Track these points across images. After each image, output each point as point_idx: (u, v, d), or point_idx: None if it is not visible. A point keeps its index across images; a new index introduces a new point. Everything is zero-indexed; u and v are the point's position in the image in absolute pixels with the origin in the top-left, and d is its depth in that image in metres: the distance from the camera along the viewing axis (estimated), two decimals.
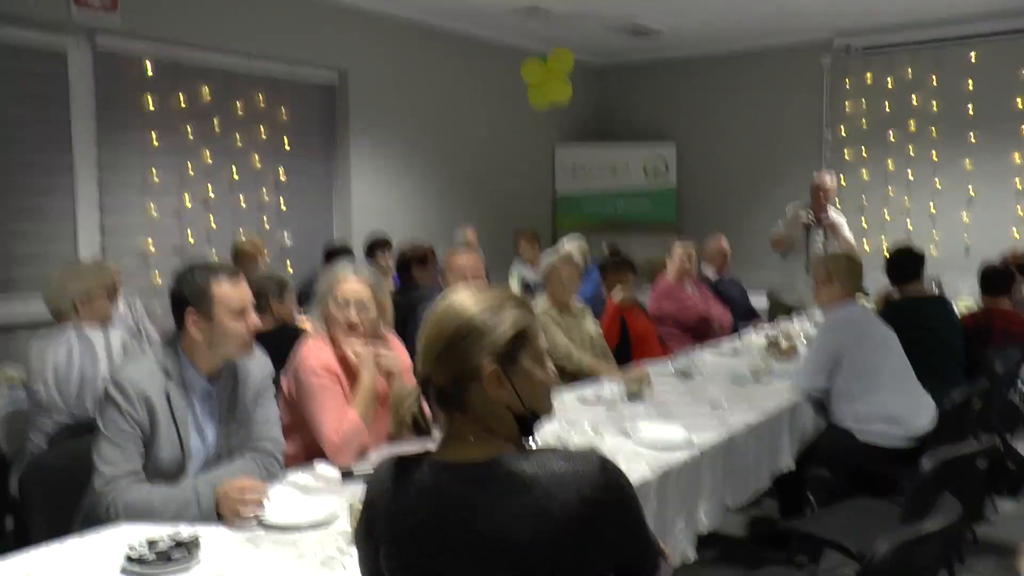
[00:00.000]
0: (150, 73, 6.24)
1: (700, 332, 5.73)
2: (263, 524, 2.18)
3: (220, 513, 2.23)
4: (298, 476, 2.54)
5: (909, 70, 8.29)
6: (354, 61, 7.50)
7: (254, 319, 2.49)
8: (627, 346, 4.93)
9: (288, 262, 7.08)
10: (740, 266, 7.76)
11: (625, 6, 7.66)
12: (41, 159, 5.74)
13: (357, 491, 2.37)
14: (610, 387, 3.57)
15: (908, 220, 8.40)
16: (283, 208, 7.19)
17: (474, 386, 1.46)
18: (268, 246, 6.35)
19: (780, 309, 6.92)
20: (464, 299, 1.50)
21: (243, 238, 6.05)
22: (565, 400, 3.63)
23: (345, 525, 2.16)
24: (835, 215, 6.79)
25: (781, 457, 3.65)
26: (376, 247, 6.90)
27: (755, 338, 5.26)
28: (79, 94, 5.89)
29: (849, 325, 3.90)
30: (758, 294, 7.23)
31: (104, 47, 5.95)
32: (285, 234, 7.19)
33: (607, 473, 1.42)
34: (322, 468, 2.59)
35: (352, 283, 2.94)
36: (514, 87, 8.53)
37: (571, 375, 4.29)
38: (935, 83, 8.17)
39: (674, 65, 9.68)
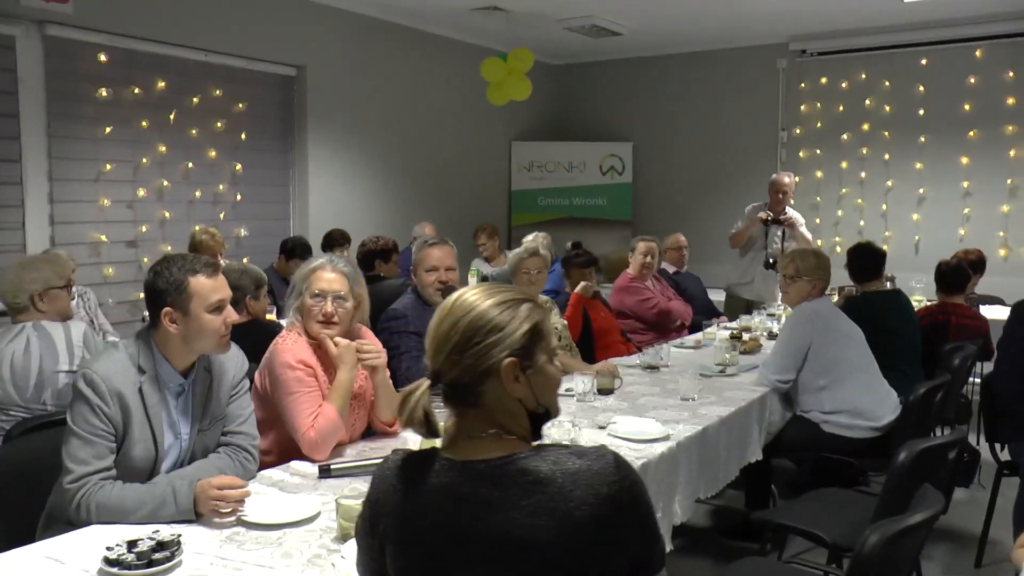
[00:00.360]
0: (103, 63, 6.07)
1: (661, 326, 5.77)
2: (244, 522, 2.11)
3: (198, 511, 2.15)
4: (274, 472, 2.48)
5: (863, 74, 8.43)
6: (312, 56, 7.39)
7: (232, 315, 2.40)
8: (589, 339, 4.93)
9: (245, 258, 6.93)
10: (695, 262, 7.80)
11: (584, 8, 7.66)
12: None
13: (338, 488, 2.34)
14: (581, 381, 3.55)
15: (861, 219, 8.54)
16: (239, 200, 7.05)
17: (490, 382, 1.43)
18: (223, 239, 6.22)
19: (737, 304, 6.99)
20: (478, 296, 1.48)
21: (197, 230, 5.91)
22: None
23: (328, 523, 2.10)
24: (793, 213, 6.87)
25: (750, 448, 3.68)
26: (333, 242, 6.83)
27: (718, 332, 5.28)
28: (28, 83, 5.70)
29: (816, 318, 3.94)
30: (713, 290, 7.30)
31: (55, 36, 5.77)
32: (241, 228, 7.06)
33: (621, 470, 1.39)
34: (298, 465, 2.53)
35: (329, 275, 2.87)
36: (472, 84, 8.51)
37: None
38: (888, 87, 8.32)
39: (632, 65, 9.72)
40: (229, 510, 2.14)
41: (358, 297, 2.92)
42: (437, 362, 1.46)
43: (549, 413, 1.51)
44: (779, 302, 6.84)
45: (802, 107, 8.80)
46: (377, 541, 1.47)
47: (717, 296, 7.22)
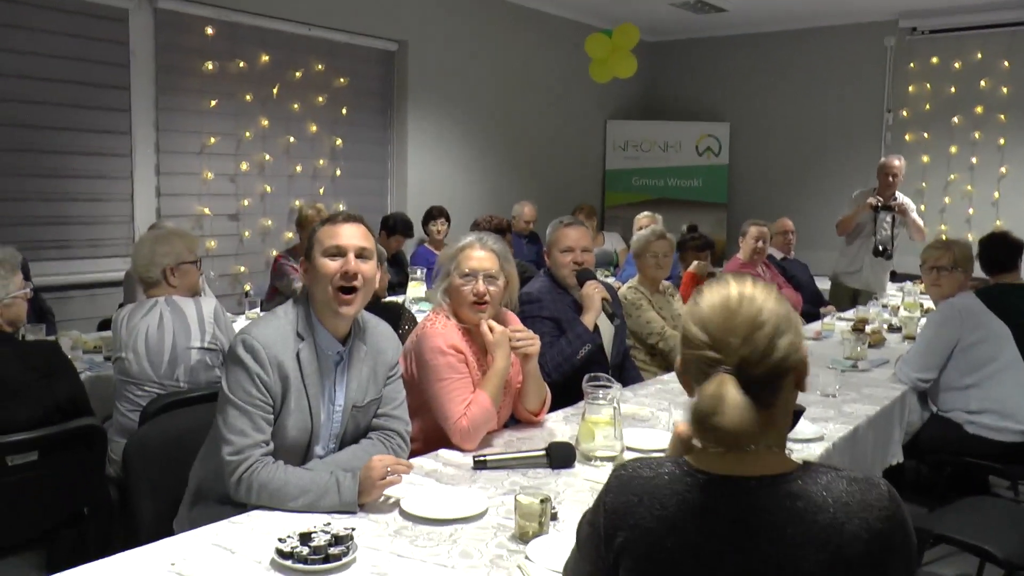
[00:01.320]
0: (210, 36, 6.06)
1: None
2: (410, 515, 2.01)
3: (362, 502, 2.05)
4: (425, 462, 2.39)
5: (979, 53, 8.01)
6: (414, 31, 7.31)
7: (353, 265, 2.20)
8: None
9: None
10: (796, 249, 7.55)
11: None
12: (100, 120, 5.61)
13: (495, 480, 2.24)
14: None
15: (970, 207, 8.16)
16: (338, 175, 7.02)
17: (787, 381, 1.30)
18: None
19: (844, 293, 6.74)
20: (759, 288, 1.33)
21: (302, 205, 5.88)
22: (669, 383, 3.47)
23: (500, 520, 2.00)
24: (904, 198, 6.57)
25: (891, 449, 3.49)
26: (430, 218, 6.79)
27: (836, 323, 5.07)
28: (139, 57, 5.75)
29: (966, 315, 3.70)
30: (818, 278, 7.04)
31: (165, 9, 5.78)
32: (340, 203, 7.02)
33: (894, 502, 1.25)
34: (449, 455, 2.44)
35: (479, 253, 2.72)
36: (569, 61, 8.35)
37: (662, 355, 4.12)
38: (1007, 67, 7.89)
39: (731, 43, 9.42)
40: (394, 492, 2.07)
41: (508, 275, 2.77)
42: (740, 351, 1.27)
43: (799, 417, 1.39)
44: (888, 291, 6.60)
45: (910, 88, 8.42)
46: (612, 555, 1.32)
47: (822, 284, 6.97)
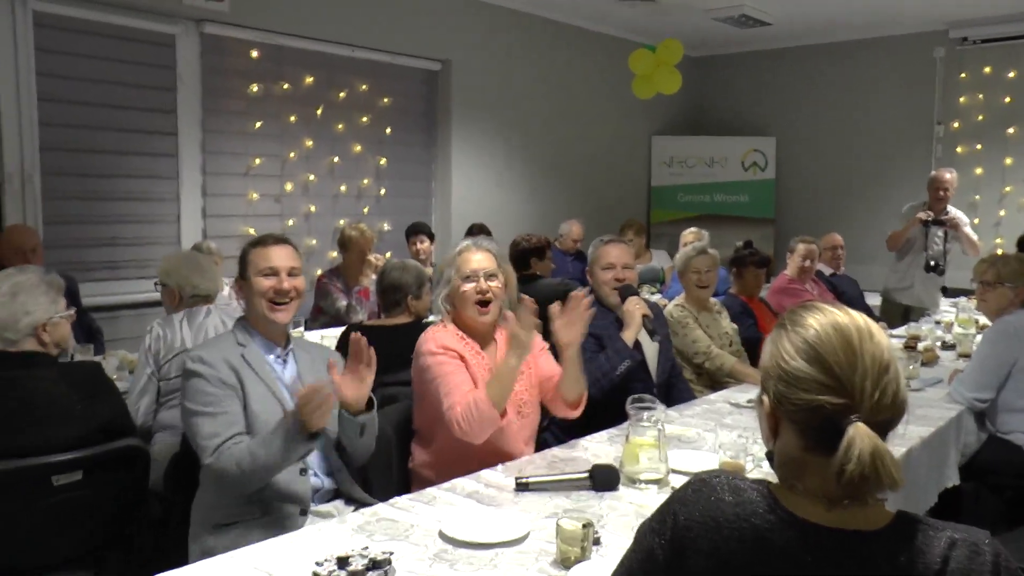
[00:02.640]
0: (255, 59, 6.15)
1: None
2: (450, 539, 1.98)
3: (311, 426, 2.23)
4: (467, 483, 2.36)
5: None
6: (457, 50, 7.34)
7: (285, 283, 2.48)
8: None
9: (388, 252, 6.92)
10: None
11: None
12: (148, 143, 5.70)
13: (537, 503, 2.20)
14: None
15: None
16: (383, 195, 7.06)
17: (895, 428, 1.22)
18: None
19: (895, 310, 6.60)
20: (864, 318, 1.26)
21: (345, 225, 5.91)
22: (716, 403, 3.40)
23: (542, 544, 1.96)
24: (956, 212, 6.42)
25: (947, 472, 3.37)
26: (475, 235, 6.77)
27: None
28: (186, 80, 5.83)
29: (1022, 334, 3.58)
30: (868, 294, 6.90)
31: (211, 34, 5.88)
32: (384, 222, 7.06)
33: (1000, 560, 1.18)
34: (490, 475, 2.40)
35: (476, 255, 2.82)
36: (613, 77, 8.33)
37: (708, 374, 4.05)
38: None
39: (776, 56, 9.33)
40: (325, 400, 2.22)
41: (506, 275, 2.87)
42: (873, 397, 1.19)
43: None
44: (940, 308, 6.44)
45: (961, 99, 8.24)
46: (673, 573, 1.24)
47: (872, 301, 6.82)
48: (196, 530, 2.39)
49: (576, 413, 2.86)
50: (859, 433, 1.15)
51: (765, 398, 1.27)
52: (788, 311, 1.33)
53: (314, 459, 2.50)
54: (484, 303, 2.75)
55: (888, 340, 1.25)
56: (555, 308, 2.73)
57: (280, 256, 2.50)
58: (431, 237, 6.53)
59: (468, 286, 2.75)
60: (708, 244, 5.97)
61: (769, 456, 1.33)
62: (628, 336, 3.27)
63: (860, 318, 1.25)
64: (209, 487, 2.39)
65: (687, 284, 4.25)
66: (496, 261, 2.83)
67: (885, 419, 1.19)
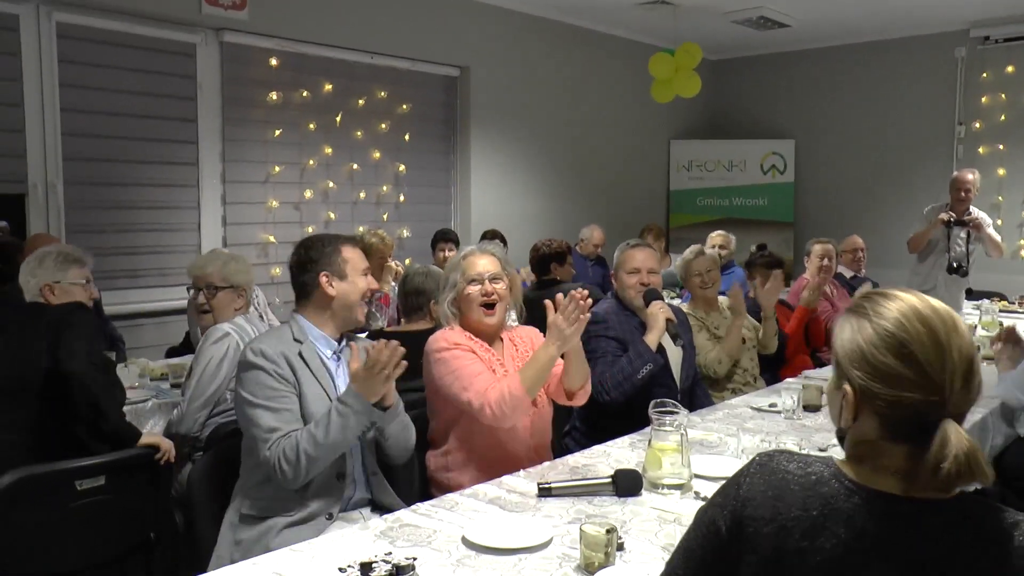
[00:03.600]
0: (274, 67, 6.18)
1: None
2: (473, 545, 1.97)
3: (374, 398, 2.30)
4: (488, 488, 2.35)
5: None
6: (476, 56, 7.36)
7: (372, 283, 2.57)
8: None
9: (408, 259, 6.92)
10: (867, 267, 7.37)
11: None
12: (168, 152, 5.74)
13: (560, 508, 2.19)
14: (786, 396, 3.29)
15: None
16: (402, 201, 7.07)
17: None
18: None
19: None
20: (945, 307, 1.27)
21: (365, 232, 5.92)
22: (737, 407, 3.38)
23: (565, 549, 1.95)
24: (979, 213, 6.36)
25: None
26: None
27: None
28: (206, 89, 5.87)
29: None
30: None
31: (231, 43, 5.91)
32: (404, 229, 7.07)
33: None
34: (512, 481, 2.39)
35: (481, 259, 2.86)
36: (631, 82, 8.32)
37: (720, 380, 4.04)
38: None
39: (795, 58, 9.28)
40: (396, 365, 2.28)
41: (511, 278, 2.89)
42: (965, 397, 1.22)
43: None
44: (963, 310, 6.37)
45: (983, 99, 8.16)
46: (736, 546, 1.25)
47: None
48: (231, 517, 2.40)
49: (579, 402, 2.85)
50: (953, 431, 1.16)
51: (847, 387, 1.26)
52: (862, 294, 1.33)
53: (353, 465, 2.51)
54: (489, 305, 2.80)
55: (967, 328, 1.25)
56: (553, 303, 2.61)
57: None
58: (458, 244, 6.54)
59: (473, 288, 2.79)
60: (735, 248, 5.97)
61: (840, 437, 1.32)
62: (651, 339, 3.25)
63: (940, 306, 1.25)
64: (252, 477, 2.39)
65: (691, 287, 4.24)
66: (500, 264, 2.87)
67: (967, 410, 1.22)
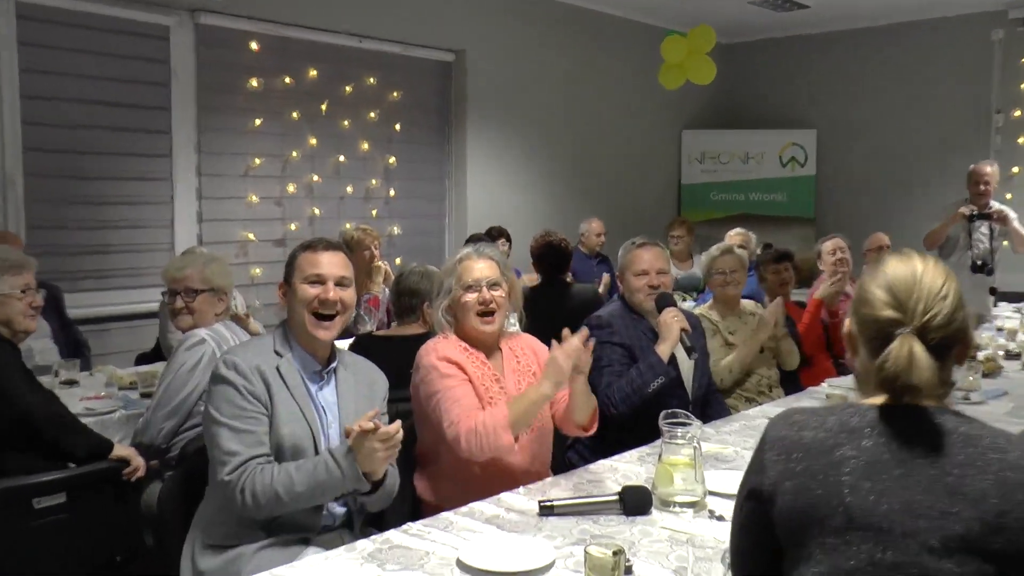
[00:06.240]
0: (255, 52, 6.17)
1: None
2: (471, 568, 1.95)
3: (365, 471, 2.22)
4: (486, 507, 2.32)
5: None
6: (472, 40, 7.37)
7: (331, 292, 2.42)
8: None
9: (398, 258, 6.90)
10: None
11: None
12: (139, 143, 5.73)
13: (562, 528, 2.17)
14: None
15: None
16: (392, 196, 7.06)
17: (952, 353, 1.48)
18: None
19: None
20: (941, 267, 1.52)
21: (348, 227, 5.91)
22: (754, 419, 3.35)
23: (567, 572, 1.92)
24: (1001, 205, 6.36)
25: None
26: (493, 239, 6.75)
27: None
28: (180, 75, 5.86)
29: None
30: None
31: (207, 25, 5.90)
32: (395, 226, 7.06)
33: None
34: (512, 499, 2.37)
35: (478, 264, 2.81)
36: (638, 67, 8.32)
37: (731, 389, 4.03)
38: None
39: (816, 42, 9.29)
40: (392, 447, 2.21)
41: (510, 282, 2.86)
42: (924, 316, 1.45)
43: None
44: (992, 311, 6.34)
45: (1022, 85, 8.16)
46: (770, 485, 1.46)
47: None
48: (191, 548, 2.36)
49: (589, 433, 2.81)
50: (904, 341, 1.44)
51: (850, 325, 1.57)
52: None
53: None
54: (487, 313, 2.76)
55: (955, 280, 1.50)
56: (560, 341, 2.58)
57: (329, 263, 2.45)
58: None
59: (470, 296, 2.76)
60: (755, 247, 5.93)
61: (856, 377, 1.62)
62: (663, 351, 3.22)
63: (933, 260, 1.53)
64: (214, 502, 2.37)
65: (712, 286, 4.24)
66: (499, 269, 2.84)
67: (938, 340, 1.44)
